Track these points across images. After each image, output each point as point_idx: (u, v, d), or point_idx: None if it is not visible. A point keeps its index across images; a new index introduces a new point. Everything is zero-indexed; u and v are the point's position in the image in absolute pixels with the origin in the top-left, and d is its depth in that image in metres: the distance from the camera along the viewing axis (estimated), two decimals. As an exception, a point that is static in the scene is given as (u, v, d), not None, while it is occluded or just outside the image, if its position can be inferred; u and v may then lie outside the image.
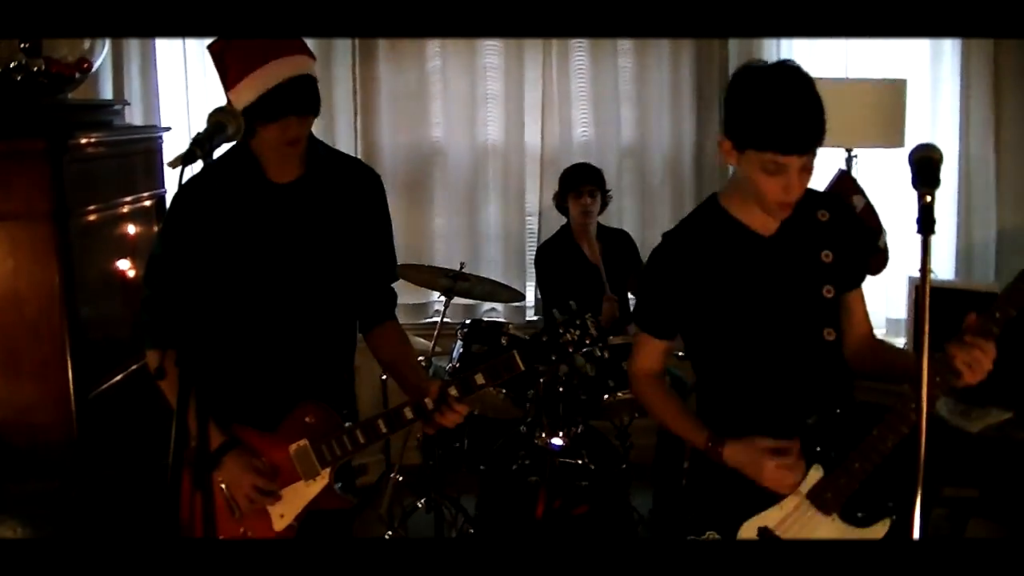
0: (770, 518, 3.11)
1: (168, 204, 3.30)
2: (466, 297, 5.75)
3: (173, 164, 2.49)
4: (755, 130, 2.90)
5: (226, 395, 3.30)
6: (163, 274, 3.25)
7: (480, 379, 3.20)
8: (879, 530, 3.05)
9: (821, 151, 5.13)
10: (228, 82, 3.13)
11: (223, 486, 3.26)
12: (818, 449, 3.07)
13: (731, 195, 3.18)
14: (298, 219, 3.31)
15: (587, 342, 3.20)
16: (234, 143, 3.11)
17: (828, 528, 3.05)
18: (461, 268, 5.47)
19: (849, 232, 3.19)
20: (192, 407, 2.38)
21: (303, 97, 3.15)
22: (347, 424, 3.32)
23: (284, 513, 3.30)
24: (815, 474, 3.07)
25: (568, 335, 3.18)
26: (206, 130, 2.64)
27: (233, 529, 3.30)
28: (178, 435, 2.36)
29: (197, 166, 2.52)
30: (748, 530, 3.12)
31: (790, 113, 2.87)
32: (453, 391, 3.21)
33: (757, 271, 3.13)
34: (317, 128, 6.31)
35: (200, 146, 2.52)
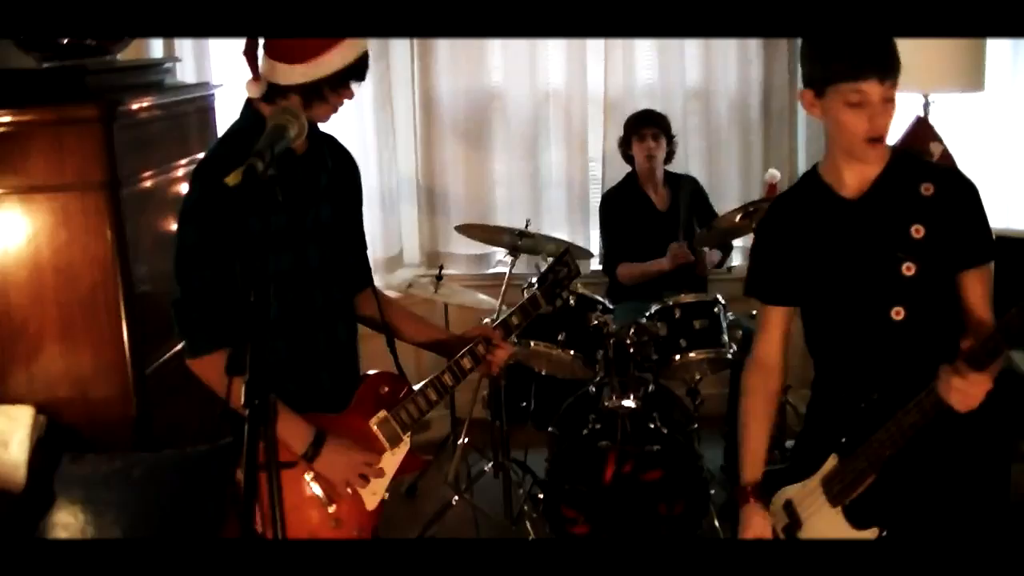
0: (794, 492, 3.18)
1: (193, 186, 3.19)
2: (530, 254, 5.61)
3: (232, 181, 2.33)
4: (831, 63, 2.88)
5: (285, 385, 3.18)
6: (205, 265, 3.09)
7: (516, 320, 3.65)
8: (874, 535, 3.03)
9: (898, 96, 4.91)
10: (308, 51, 3.07)
11: (309, 479, 3.21)
12: (843, 440, 3.05)
13: (824, 159, 3.15)
14: (319, 190, 3.29)
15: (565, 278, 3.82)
16: (238, 124, 3.22)
17: (829, 520, 3.07)
18: (527, 225, 5.33)
19: (956, 210, 3.00)
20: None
21: (367, 67, 3.24)
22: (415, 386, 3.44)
23: (376, 490, 3.30)
24: (831, 462, 3.07)
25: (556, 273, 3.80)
26: (266, 137, 2.49)
27: (325, 520, 3.23)
28: (251, 441, 2.24)
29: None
30: (779, 499, 3.23)
31: (862, 40, 2.85)
32: (499, 333, 3.54)
33: (836, 235, 3.08)
34: (375, 78, 6.36)
35: (261, 158, 2.36)
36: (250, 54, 3.14)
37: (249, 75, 3.15)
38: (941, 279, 3.01)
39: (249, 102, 3.23)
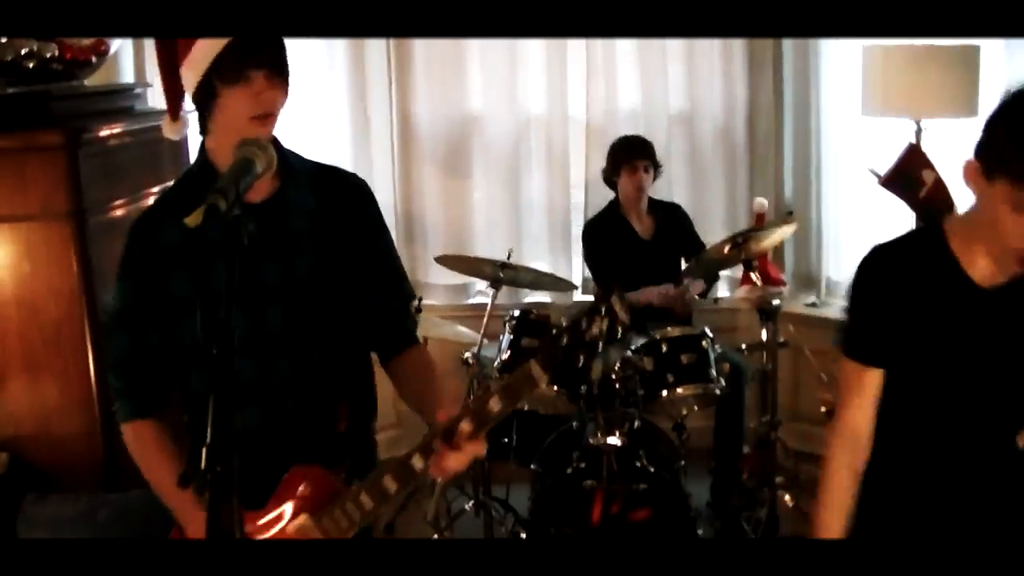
0: None
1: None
2: (511, 286, 5.46)
3: (192, 222, 2.12)
4: (1015, 156, 2.46)
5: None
6: (128, 329, 2.72)
7: (496, 405, 2.45)
8: None
9: (887, 121, 4.71)
10: (187, 42, 2.58)
11: None
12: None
13: (958, 229, 2.73)
14: (280, 241, 2.71)
15: (617, 332, 2.42)
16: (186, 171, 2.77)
17: None
18: (508, 256, 5.19)
19: None
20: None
21: (272, 50, 2.61)
22: (353, 486, 2.66)
23: None
24: None
25: (595, 328, 2.43)
26: (230, 172, 2.24)
27: None
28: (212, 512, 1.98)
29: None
30: None
31: None
32: (466, 425, 2.45)
33: (963, 324, 2.69)
34: (350, 101, 6.17)
35: (224, 195, 2.08)
36: (168, 84, 2.74)
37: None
38: None
39: (202, 146, 2.74)
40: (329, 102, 6.21)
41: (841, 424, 2.84)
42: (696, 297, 5.72)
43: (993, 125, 2.56)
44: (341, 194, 2.87)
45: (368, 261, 2.84)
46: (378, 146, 6.44)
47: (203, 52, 2.57)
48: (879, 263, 2.80)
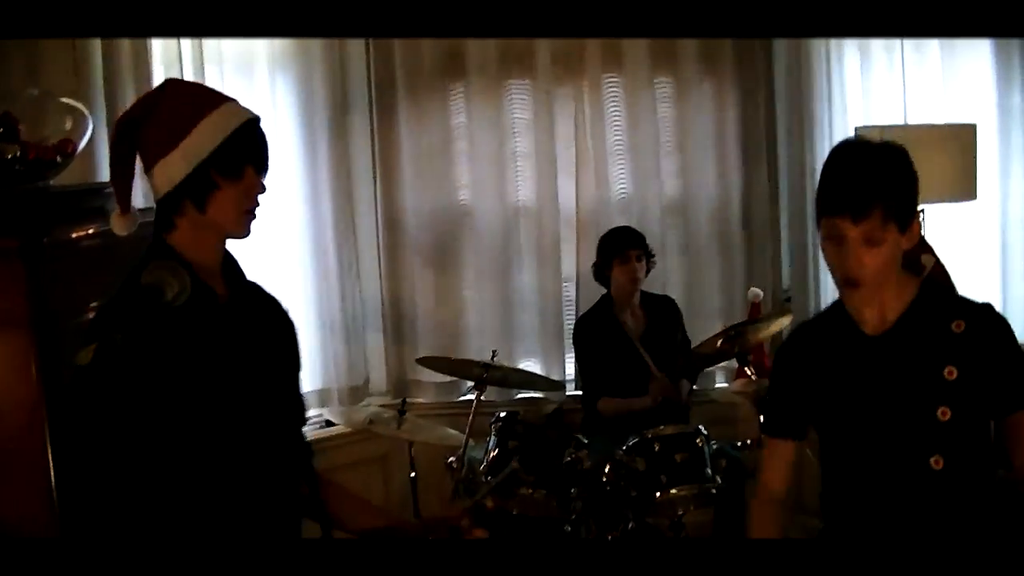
0: None
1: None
2: (500, 386, 5.29)
3: (83, 360, 1.97)
4: (819, 193, 2.83)
5: None
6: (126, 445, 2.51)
7: (491, 503, 3.08)
8: None
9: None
10: (174, 135, 2.55)
11: None
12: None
13: None
14: (247, 346, 2.71)
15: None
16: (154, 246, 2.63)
17: None
18: (493, 357, 5.03)
19: (990, 349, 2.85)
20: None
21: (264, 144, 2.69)
22: None
23: None
24: None
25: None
26: (134, 302, 2.11)
27: None
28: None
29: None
30: None
31: (843, 174, 2.78)
32: (466, 522, 2.73)
33: (860, 374, 2.93)
34: (337, 195, 6.02)
35: (122, 329, 1.97)
36: (120, 179, 2.65)
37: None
38: (978, 423, 2.87)
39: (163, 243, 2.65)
40: (313, 195, 6.06)
41: (759, 485, 3.23)
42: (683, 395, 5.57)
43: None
44: (276, 307, 2.97)
45: (289, 378, 2.92)
46: (364, 240, 6.31)
47: (201, 142, 2.54)
48: (790, 340, 3.21)
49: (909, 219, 2.76)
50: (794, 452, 3.16)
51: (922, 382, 2.83)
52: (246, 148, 2.62)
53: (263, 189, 2.70)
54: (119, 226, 2.68)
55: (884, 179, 2.73)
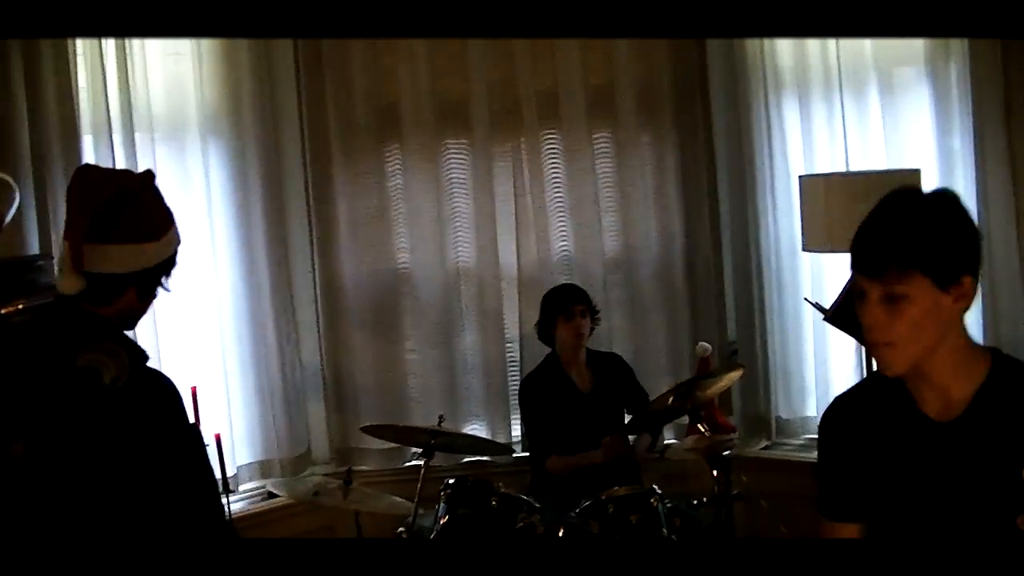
0: None
1: None
2: (447, 451, 5.18)
3: (15, 455, 1.86)
4: (853, 247, 2.50)
5: None
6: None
7: None
8: None
9: (829, 257, 4.56)
10: (160, 226, 2.80)
11: None
12: None
13: None
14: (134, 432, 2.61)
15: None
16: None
17: None
18: (440, 422, 4.92)
19: None
20: None
21: None
22: None
23: None
24: None
25: None
26: (70, 386, 2.00)
27: None
28: None
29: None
30: None
31: (865, 225, 2.47)
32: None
33: (921, 467, 2.56)
34: (273, 261, 5.89)
35: (58, 417, 1.86)
36: (76, 235, 2.66)
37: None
38: None
39: (76, 306, 2.70)
40: (249, 262, 5.93)
41: None
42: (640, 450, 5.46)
43: None
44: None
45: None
46: (302, 307, 6.17)
47: (167, 246, 2.80)
48: (837, 413, 2.76)
49: (953, 276, 2.41)
50: (857, 532, 2.74)
51: (999, 485, 2.45)
52: (175, 259, 2.87)
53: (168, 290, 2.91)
54: (72, 285, 2.64)
55: (908, 230, 2.41)
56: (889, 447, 2.61)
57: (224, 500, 5.35)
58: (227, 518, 2.99)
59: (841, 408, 2.75)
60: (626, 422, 5.53)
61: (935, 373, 2.51)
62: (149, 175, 2.82)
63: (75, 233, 2.64)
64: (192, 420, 3.02)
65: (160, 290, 2.84)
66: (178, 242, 2.85)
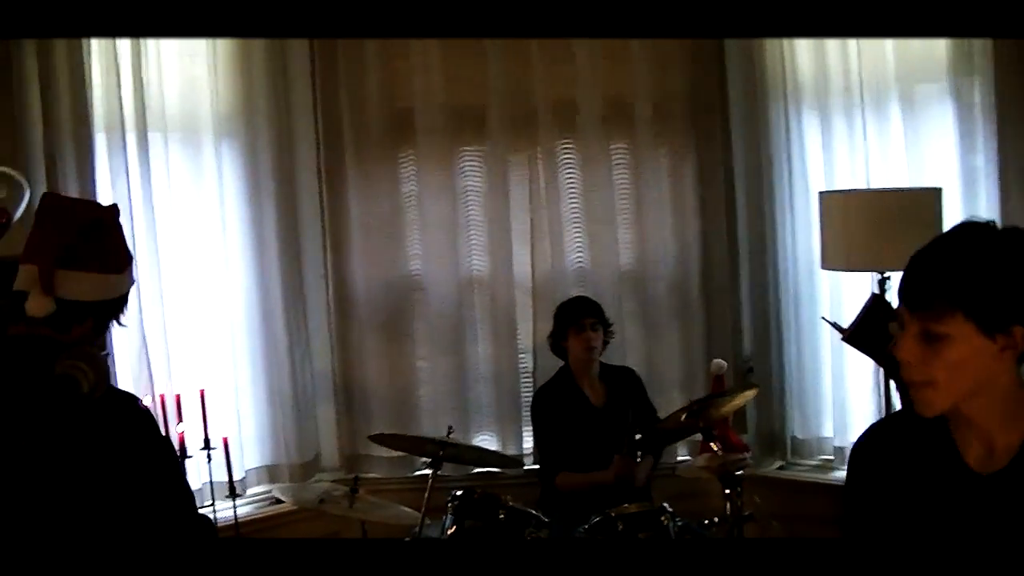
0: None
1: None
2: (456, 463, 5.11)
3: None
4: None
5: None
6: None
7: None
8: None
9: (848, 275, 4.45)
10: (123, 258, 2.78)
11: None
12: None
13: None
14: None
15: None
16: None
17: None
18: (449, 433, 4.85)
19: None
20: None
21: None
22: None
23: None
24: None
25: None
26: (48, 393, 1.94)
27: None
28: None
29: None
30: None
31: (921, 255, 2.25)
32: None
33: (957, 518, 2.37)
34: (284, 268, 5.82)
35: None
36: (46, 258, 2.59)
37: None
38: None
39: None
40: (261, 267, 5.89)
41: None
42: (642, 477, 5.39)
43: None
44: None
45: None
46: (314, 313, 6.12)
47: (128, 279, 2.79)
48: (870, 448, 2.55)
49: (1002, 324, 2.21)
50: None
51: None
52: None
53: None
54: (43, 307, 2.55)
55: (958, 266, 2.22)
56: (922, 493, 2.43)
57: (230, 504, 5.36)
58: (211, 526, 2.89)
59: (874, 439, 2.57)
60: (635, 440, 5.44)
61: (978, 419, 2.33)
62: (115, 208, 2.81)
63: (46, 257, 2.58)
64: (167, 435, 2.92)
65: (112, 325, 2.79)
66: (132, 282, 2.83)
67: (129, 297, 2.79)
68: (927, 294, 2.20)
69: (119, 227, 2.79)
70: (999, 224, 2.27)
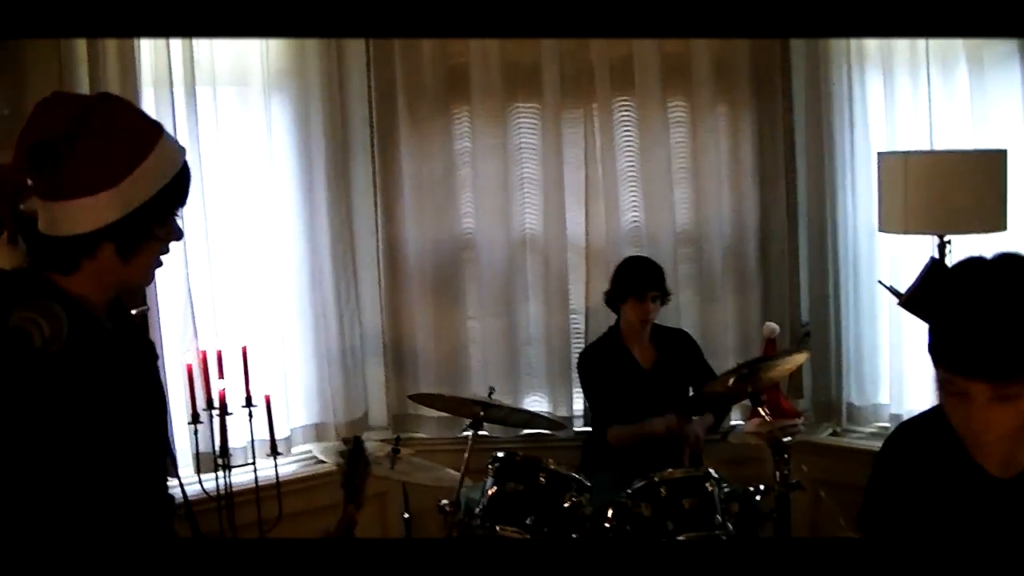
0: None
1: None
2: (498, 424, 5.05)
3: None
4: (933, 339, 2.31)
5: None
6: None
7: None
8: None
9: (907, 237, 4.30)
10: (112, 173, 2.27)
11: None
12: None
13: None
14: (130, 390, 2.42)
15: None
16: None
17: None
18: (491, 394, 4.78)
19: None
20: None
21: (189, 188, 2.46)
22: None
23: None
24: None
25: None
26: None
27: None
28: None
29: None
30: None
31: (973, 324, 2.22)
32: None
33: (977, 521, 2.43)
34: (335, 223, 5.77)
35: None
36: (14, 205, 2.24)
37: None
38: None
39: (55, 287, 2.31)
40: (310, 222, 5.81)
41: None
42: (700, 435, 5.26)
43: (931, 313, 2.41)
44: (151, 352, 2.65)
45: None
46: (363, 270, 6.06)
47: (141, 186, 2.30)
48: (899, 442, 2.64)
49: None
50: None
51: None
52: (177, 194, 2.41)
53: (181, 235, 2.47)
54: (8, 259, 2.30)
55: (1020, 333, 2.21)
56: (943, 496, 2.48)
57: (272, 463, 5.32)
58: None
59: (904, 436, 2.63)
60: (688, 408, 5.34)
61: (1002, 432, 2.33)
62: (90, 104, 2.34)
63: (3, 200, 2.25)
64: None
65: (163, 237, 2.40)
66: (160, 178, 2.34)
67: (165, 202, 2.36)
68: (1001, 366, 2.19)
69: (98, 130, 2.28)
70: None
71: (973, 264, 2.32)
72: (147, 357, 2.59)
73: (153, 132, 2.36)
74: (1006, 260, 2.29)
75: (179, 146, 2.44)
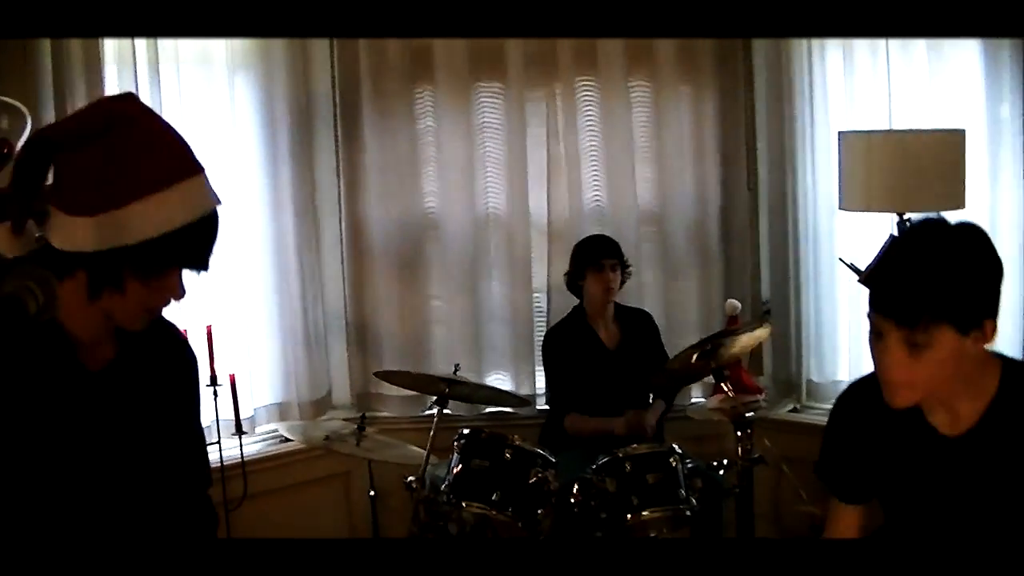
0: None
1: None
2: (463, 401, 5.06)
3: None
4: (867, 275, 2.64)
5: None
6: None
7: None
8: None
9: (868, 215, 4.38)
10: (109, 195, 2.07)
11: None
12: None
13: None
14: (116, 416, 2.32)
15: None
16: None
17: None
18: (456, 371, 4.79)
19: None
20: None
21: (211, 244, 2.22)
22: None
23: None
24: None
25: None
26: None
27: None
28: None
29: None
30: None
31: (895, 266, 2.41)
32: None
33: (933, 478, 2.59)
34: (299, 202, 5.78)
35: None
36: (23, 195, 2.08)
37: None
38: None
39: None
40: (274, 201, 5.80)
41: None
42: (654, 425, 5.32)
43: None
44: (173, 357, 2.52)
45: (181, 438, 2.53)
46: (327, 249, 6.06)
47: (137, 225, 2.08)
48: (851, 401, 2.78)
49: (976, 322, 2.38)
50: (862, 516, 2.83)
51: (1006, 502, 2.48)
52: (189, 250, 2.19)
53: (183, 294, 2.26)
54: (11, 246, 2.09)
55: (937, 280, 2.33)
56: (894, 453, 2.63)
57: (237, 442, 5.33)
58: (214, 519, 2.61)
59: (854, 396, 2.76)
60: (648, 392, 5.38)
61: (943, 393, 2.50)
62: (116, 113, 2.14)
63: (16, 188, 2.11)
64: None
65: (138, 291, 2.19)
66: (153, 227, 2.10)
67: (152, 254, 2.13)
68: (913, 310, 2.33)
69: (119, 142, 2.10)
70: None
71: (927, 221, 2.47)
72: (170, 375, 2.49)
73: (173, 174, 2.13)
74: (960, 226, 2.42)
75: (210, 201, 2.20)
